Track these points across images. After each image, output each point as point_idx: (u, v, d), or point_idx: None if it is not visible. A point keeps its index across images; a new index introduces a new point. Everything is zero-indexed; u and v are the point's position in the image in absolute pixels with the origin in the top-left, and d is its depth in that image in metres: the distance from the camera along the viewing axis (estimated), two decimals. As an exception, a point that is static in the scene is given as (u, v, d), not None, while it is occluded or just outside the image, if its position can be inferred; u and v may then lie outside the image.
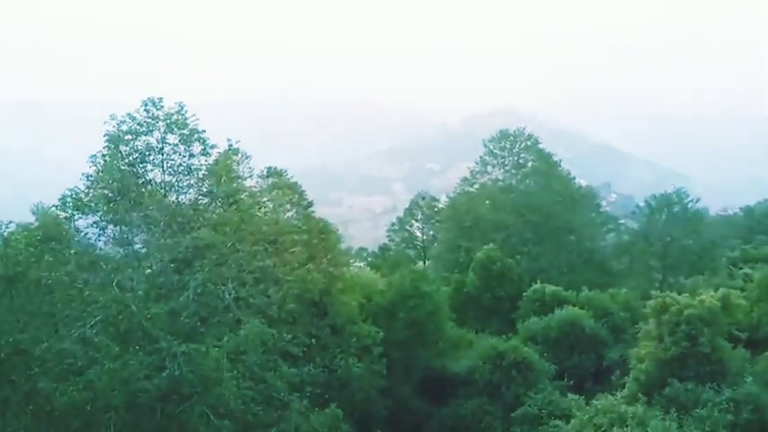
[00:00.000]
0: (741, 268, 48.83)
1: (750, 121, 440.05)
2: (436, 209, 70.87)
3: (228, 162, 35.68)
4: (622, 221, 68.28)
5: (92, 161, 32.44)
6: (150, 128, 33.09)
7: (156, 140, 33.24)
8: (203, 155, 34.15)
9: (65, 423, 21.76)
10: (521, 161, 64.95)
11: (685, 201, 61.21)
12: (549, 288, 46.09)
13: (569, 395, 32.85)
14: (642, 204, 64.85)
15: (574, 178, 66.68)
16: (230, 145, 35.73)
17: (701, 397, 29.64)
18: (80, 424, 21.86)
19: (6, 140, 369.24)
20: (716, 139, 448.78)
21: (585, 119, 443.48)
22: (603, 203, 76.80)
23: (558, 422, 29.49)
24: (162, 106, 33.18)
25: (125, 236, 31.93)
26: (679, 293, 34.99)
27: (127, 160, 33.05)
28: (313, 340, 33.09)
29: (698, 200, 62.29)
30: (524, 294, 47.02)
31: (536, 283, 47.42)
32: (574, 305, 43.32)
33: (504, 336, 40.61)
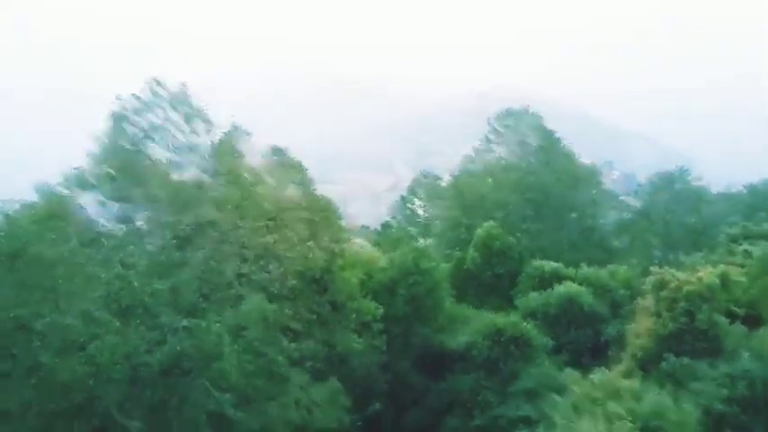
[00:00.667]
0: (741, 245, 48.72)
1: (753, 110, 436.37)
2: (438, 187, 70.87)
3: (231, 140, 35.93)
4: (624, 199, 68.11)
5: (96, 140, 32.85)
6: (153, 106, 33.43)
7: (160, 119, 33.61)
8: (206, 133, 34.51)
9: (67, 396, 22.17)
10: (524, 139, 64.74)
11: (687, 179, 61.10)
12: (549, 265, 46.14)
13: (567, 370, 33.19)
14: (644, 182, 64.75)
15: (577, 156, 66.41)
16: (233, 124, 36.02)
17: (696, 372, 29.88)
18: (83, 397, 22.28)
19: (7, 140, 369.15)
20: (719, 120, 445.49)
21: (589, 98, 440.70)
22: (605, 181, 76.34)
23: (555, 396, 29.82)
24: (165, 85, 33.52)
25: (127, 213, 32.36)
26: (679, 270, 35.15)
27: (130, 138, 33.42)
28: (314, 316, 33.51)
29: (700, 178, 62.05)
30: (524, 271, 47.19)
31: (536, 260, 47.59)
32: (573, 281, 43.49)
33: (502, 312, 40.93)
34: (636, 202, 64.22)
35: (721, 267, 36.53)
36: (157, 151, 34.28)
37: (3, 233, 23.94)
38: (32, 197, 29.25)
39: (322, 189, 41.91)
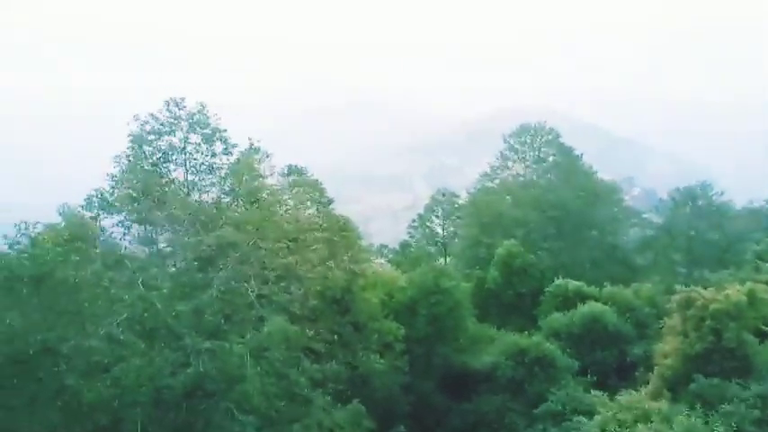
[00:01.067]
0: (767, 262, 47.90)
1: (753, 111, 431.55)
2: (456, 205, 70.57)
3: (250, 161, 36.01)
4: (645, 216, 67.37)
5: (116, 161, 33.06)
6: (173, 127, 33.62)
7: (179, 140, 33.78)
8: (225, 154, 34.65)
9: (92, 419, 22.15)
10: (541, 155, 64.34)
11: (710, 194, 60.35)
12: (572, 284, 45.68)
13: (593, 391, 32.64)
14: (665, 198, 64.06)
15: (595, 172, 65.96)
16: (251, 144, 36.12)
17: (726, 393, 29.22)
18: (108, 420, 22.24)
19: (8, 140, 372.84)
20: (738, 133, 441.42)
21: (606, 113, 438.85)
22: (626, 198, 75.73)
23: (581, 418, 29.29)
24: (184, 106, 33.70)
25: (149, 235, 32.45)
26: (704, 288, 34.53)
27: (150, 160, 33.61)
28: (335, 337, 33.29)
29: (722, 193, 61.25)
30: (546, 290, 46.70)
31: (558, 278, 47.10)
32: (597, 300, 42.95)
33: (525, 332, 40.46)
34: (657, 219, 63.43)
35: (748, 285, 35.83)
36: (177, 172, 34.45)
37: (28, 256, 24.08)
38: (35, 199, 29.44)
39: (340, 209, 41.91)
